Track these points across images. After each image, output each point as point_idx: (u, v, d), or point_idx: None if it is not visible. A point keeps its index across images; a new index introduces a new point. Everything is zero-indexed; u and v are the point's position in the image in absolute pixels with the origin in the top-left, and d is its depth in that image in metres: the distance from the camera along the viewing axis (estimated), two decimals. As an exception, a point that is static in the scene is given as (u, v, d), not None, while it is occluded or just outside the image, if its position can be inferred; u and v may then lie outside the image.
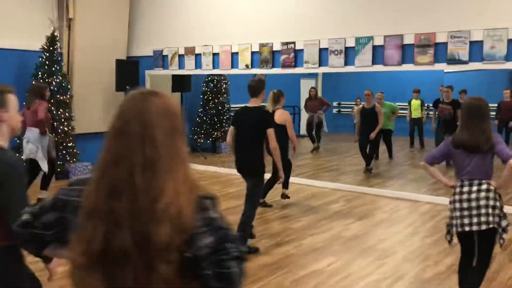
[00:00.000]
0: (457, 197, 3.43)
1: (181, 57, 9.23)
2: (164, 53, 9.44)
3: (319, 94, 16.55)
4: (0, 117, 2.19)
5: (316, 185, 7.85)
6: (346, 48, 7.24)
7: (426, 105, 11.42)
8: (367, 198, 7.13)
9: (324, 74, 14.00)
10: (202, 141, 10.99)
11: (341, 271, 4.38)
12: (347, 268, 4.47)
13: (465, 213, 3.36)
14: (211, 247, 1.24)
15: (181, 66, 9.26)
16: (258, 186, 4.75)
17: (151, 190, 1.23)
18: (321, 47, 7.48)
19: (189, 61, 9.08)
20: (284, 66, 7.91)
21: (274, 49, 7.98)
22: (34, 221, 1.45)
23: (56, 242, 1.46)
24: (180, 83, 10.10)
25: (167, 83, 10.23)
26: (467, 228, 3.36)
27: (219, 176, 8.57)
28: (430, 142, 12.10)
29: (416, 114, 10.93)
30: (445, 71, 8.42)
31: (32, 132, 6.05)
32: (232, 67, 8.51)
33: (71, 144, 8.21)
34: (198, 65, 8.98)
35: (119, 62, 9.17)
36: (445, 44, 6.45)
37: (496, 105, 11.90)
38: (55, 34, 8.20)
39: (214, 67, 8.78)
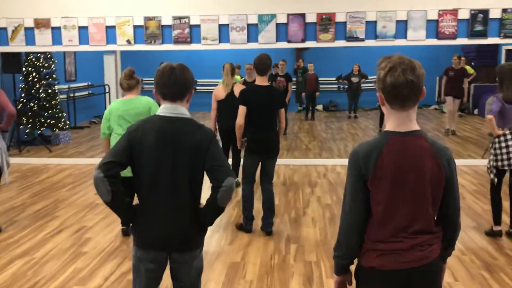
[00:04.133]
0: (503, 144, 4.31)
1: (28, 30, 7.58)
2: (0, 26, 7.58)
3: (118, 71, 15.59)
4: None
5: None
6: (248, 24, 7.33)
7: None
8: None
9: (122, 52, 13.30)
10: (33, 131, 9.24)
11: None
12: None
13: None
14: None
15: (29, 42, 7.62)
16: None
17: None
18: (221, 23, 7.35)
19: (43, 36, 7.56)
20: (177, 42, 7.45)
21: (164, 23, 7.42)
22: None
23: None
24: (12, 63, 8.30)
25: (-7, 63, 8.30)
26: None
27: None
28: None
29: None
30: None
31: None
32: (108, 42, 7.52)
33: None
34: (56, 40, 7.58)
35: None
36: (344, 23, 7.27)
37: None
38: None
39: (81, 43, 7.56)
